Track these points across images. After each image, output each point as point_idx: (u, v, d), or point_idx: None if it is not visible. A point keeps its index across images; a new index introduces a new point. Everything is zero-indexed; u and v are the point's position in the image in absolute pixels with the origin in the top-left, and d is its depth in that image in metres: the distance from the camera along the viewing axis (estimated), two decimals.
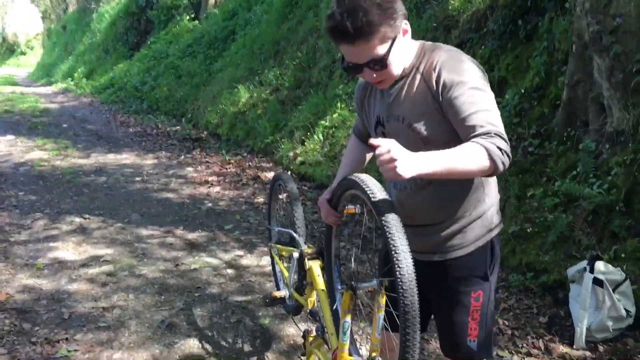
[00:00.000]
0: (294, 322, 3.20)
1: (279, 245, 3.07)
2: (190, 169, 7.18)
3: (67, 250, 4.39)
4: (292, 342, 3.18)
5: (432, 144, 1.69)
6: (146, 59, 14.84)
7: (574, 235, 3.52)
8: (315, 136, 6.55)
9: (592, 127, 3.82)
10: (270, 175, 6.62)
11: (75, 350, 3.01)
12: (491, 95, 1.64)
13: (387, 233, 1.54)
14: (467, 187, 1.76)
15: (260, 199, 5.78)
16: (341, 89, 6.67)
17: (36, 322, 3.30)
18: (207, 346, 3.12)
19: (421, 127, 1.69)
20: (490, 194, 1.83)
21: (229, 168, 7.14)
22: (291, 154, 6.75)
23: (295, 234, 2.77)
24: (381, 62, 1.63)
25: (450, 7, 5.57)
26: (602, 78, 3.64)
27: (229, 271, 4.08)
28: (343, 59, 1.71)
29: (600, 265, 3.07)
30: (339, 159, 6.00)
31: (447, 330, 1.89)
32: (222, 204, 5.66)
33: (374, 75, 1.68)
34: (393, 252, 1.52)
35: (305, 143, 6.66)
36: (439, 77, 1.64)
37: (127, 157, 7.90)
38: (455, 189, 1.75)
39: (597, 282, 3.02)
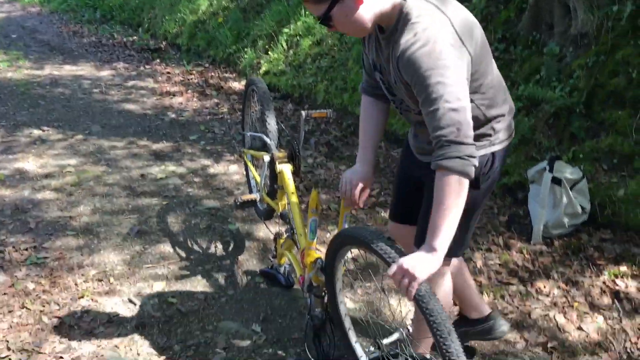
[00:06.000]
0: (266, 226, 3.26)
1: (251, 151, 3.07)
2: (150, 79, 6.96)
3: (28, 162, 4.29)
4: (262, 245, 3.25)
5: None
6: None
7: (535, 138, 3.61)
8: (279, 45, 6.39)
9: (557, 30, 3.82)
10: (233, 85, 6.49)
11: (45, 257, 3.02)
12: (456, 74, 1.56)
13: None
14: (478, 122, 1.75)
15: (224, 109, 5.69)
16: None
17: (1, 232, 3.27)
18: (179, 251, 3.16)
19: (412, 102, 1.71)
20: (496, 116, 1.83)
21: (191, 79, 6.95)
22: (255, 63, 6.60)
23: (267, 138, 2.77)
24: (325, 21, 1.66)
25: None
26: None
27: (197, 179, 4.08)
28: None
29: (559, 165, 3.18)
30: (304, 68, 5.89)
31: (424, 223, 1.94)
32: (186, 115, 5.55)
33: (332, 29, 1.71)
34: None
35: (269, 52, 6.50)
36: (407, 68, 1.59)
37: (82, 69, 7.58)
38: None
39: (556, 181, 3.13)
